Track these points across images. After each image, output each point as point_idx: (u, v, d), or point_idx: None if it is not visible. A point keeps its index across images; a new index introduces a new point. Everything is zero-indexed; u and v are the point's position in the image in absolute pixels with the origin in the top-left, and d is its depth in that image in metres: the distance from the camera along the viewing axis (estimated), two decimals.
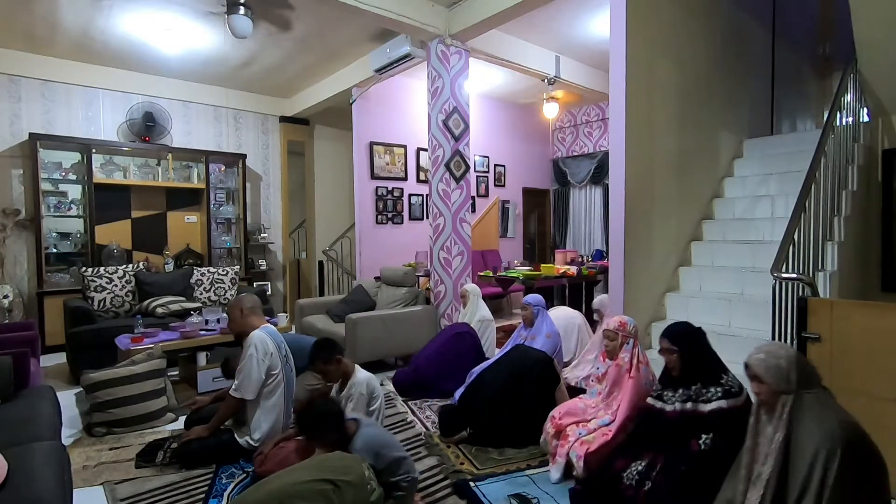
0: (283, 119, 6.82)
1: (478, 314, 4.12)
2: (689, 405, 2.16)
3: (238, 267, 5.60)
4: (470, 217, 4.79)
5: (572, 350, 3.96)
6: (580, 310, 4.79)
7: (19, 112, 5.08)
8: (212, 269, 5.21)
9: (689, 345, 2.19)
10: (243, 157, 6.21)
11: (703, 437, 2.03)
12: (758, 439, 1.67)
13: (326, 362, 2.56)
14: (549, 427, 2.58)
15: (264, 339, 2.62)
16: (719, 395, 2.09)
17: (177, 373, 4.02)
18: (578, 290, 5.58)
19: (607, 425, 2.48)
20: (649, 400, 2.35)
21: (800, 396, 1.58)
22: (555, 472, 2.43)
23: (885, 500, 1.48)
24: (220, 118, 6.36)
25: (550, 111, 6.28)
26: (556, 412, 2.62)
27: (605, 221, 7.18)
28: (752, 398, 1.78)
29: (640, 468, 2.19)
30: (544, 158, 8.07)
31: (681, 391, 2.21)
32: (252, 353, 2.56)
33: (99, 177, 5.25)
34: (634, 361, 2.58)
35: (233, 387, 2.58)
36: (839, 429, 1.47)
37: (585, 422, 2.55)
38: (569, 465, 2.41)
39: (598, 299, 4.01)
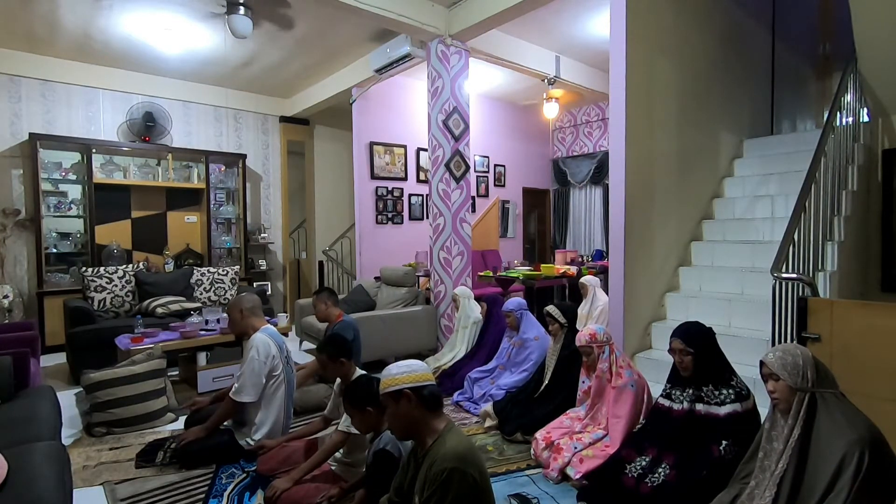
0: (283, 119, 6.81)
1: (472, 316, 4.12)
2: (699, 406, 2.16)
3: (238, 267, 5.60)
4: (470, 217, 4.78)
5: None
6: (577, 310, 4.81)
7: (19, 112, 5.07)
8: (212, 269, 5.21)
9: (703, 346, 2.18)
10: (243, 157, 6.21)
11: (724, 442, 2.03)
12: (773, 443, 1.65)
13: (330, 358, 2.54)
14: (539, 441, 2.57)
15: (266, 341, 2.62)
16: (732, 397, 2.09)
17: (177, 373, 4.02)
18: (578, 290, 5.57)
19: (601, 439, 2.48)
20: (659, 399, 2.35)
21: (819, 395, 1.56)
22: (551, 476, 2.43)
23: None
24: (220, 118, 6.36)
25: (550, 111, 6.27)
26: (539, 434, 2.62)
27: (605, 221, 7.18)
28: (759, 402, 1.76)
29: (643, 463, 2.20)
30: (544, 158, 8.07)
31: (690, 391, 2.21)
32: (254, 355, 2.56)
33: (99, 177, 5.25)
34: (614, 369, 2.58)
35: (233, 389, 2.58)
36: (867, 429, 1.47)
37: (577, 434, 2.54)
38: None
39: (586, 278, 4.56)
